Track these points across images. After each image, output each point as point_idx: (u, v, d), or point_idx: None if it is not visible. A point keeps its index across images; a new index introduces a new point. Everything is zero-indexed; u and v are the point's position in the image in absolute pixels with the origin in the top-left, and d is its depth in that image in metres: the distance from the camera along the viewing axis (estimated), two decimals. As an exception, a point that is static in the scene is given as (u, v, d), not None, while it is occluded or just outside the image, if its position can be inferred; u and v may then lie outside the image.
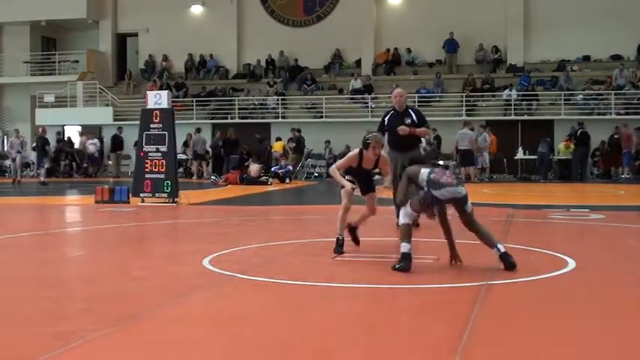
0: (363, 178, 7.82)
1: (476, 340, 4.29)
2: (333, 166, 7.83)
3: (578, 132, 23.25)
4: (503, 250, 6.49)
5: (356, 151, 7.63)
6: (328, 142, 26.12)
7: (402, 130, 9.78)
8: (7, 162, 27.58)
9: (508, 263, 6.40)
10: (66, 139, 29.39)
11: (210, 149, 26.52)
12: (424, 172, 6.59)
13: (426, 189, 6.51)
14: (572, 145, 23.50)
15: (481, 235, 6.66)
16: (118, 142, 27.00)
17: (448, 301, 5.54)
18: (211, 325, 4.73)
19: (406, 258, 6.41)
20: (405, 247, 6.44)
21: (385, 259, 6.97)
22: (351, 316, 4.99)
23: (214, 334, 4.51)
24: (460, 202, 6.57)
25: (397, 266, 6.39)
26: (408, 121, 9.88)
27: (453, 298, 5.64)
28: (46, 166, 22.72)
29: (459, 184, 6.57)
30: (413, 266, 6.43)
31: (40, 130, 23.41)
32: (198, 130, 26.46)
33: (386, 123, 10.10)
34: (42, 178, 21.67)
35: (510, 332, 4.60)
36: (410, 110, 10.12)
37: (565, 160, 23.85)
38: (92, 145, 27.78)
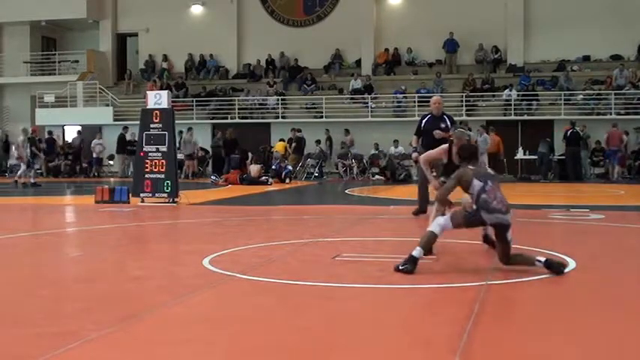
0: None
1: (476, 340, 4.29)
2: (423, 156, 7.69)
3: (568, 132, 23.28)
4: (543, 259, 6.31)
5: (445, 146, 7.47)
6: (319, 141, 26.16)
7: (438, 134, 10.63)
8: (12, 161, 27.53)
9: (555, 270, 6.23)
10: (71, 139, 29.44)
11: (198, 150, 26.36)
12: (477, 184, 6.41)
13: (475, 206, 6.38)
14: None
15: (519, 264, 6.46)
16: (124, 142, 26.83)
17: (448, 301, 5.54)
18: (211, 325, 4.73)
19: (413, 262, 6.34)
20: (417, 252, 6.36)
21: (385, 259, 6.97)
22: (351, 316, 4.99)
23: (214, 334, 4.51)
24: (503, 229, 6.40)
25: (401, 267, 6.35)
26: (443, 125, 10.84)
27: (453, 298, 5.64)
28: (36, 166, 22.44)
29: (507, 212, 6.38)
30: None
31: (31, 130, 23.23)
32: (189, 130, 26.07)
33: (422, 125, 11.18)
34: (31, 180, 20.94)
35: (510, 332, 4.61)
36: (445, 116, 11.12)
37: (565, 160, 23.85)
38: (99, 146, 27.72)
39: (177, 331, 4.56)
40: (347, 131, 26.27)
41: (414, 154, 12.01)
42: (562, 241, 9.14)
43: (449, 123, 10.99)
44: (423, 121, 11.32)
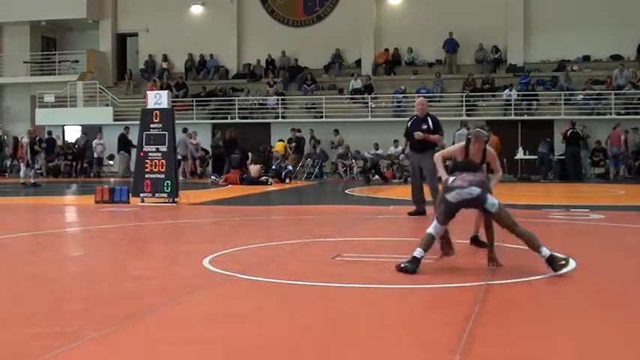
0: (473, 172, 7.31)
1: (476, 340, 4.29)
2: (439, 153, 7.67)
3: (568, 132, 23.29)
4: (548, 254, 6.27)
5: (462, 144, 7.42)
6: (319, 141, 26.16)
7: (417, 135, 11.19)
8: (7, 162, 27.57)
9: (554, 268, 6.21)
10: (74, 139, 29.43)
11: (195, 150, 26.32)
12: (450, 179, 6.54)
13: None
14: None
15: (519, 237, 6.46)
16: (125, 142, 26.76)
17: (448, 301, 5.54)
18: (211, 325, 4.73)
19: (414, 262, 6.32)
20: (418, 253, 6.35)
21: (385, 259, 6.98)
22: (351, 316, 4.99)
23: (214, 334, 4.51)
24: (475, 203, 6.40)
25: (402, 266, 6.34)
26: (424, 127, 11.26)
27: (453, 298, 5.64)
28: (36, 166, 22.39)
29: (471, 184, 6.37)
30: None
31: (32, 129, 23.21)
32: (184, 131, 25.73)
33: (408, 127, 11.56)
34: (31, 180, 20.77)
35: (510, 332, 4.61)
36: (428, 117, 11.46)
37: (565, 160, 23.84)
38: (100, 146, 27.69)
39: (177, 331, 4.55)
40: (336, 131, 26.27)
41: (402, 156, 12.39)
42: (562, 241, 9.13)
43: (431, 124, 11.33)
44: (409, 122, 11.70)
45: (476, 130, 7.53)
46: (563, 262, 6.28)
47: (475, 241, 7.77)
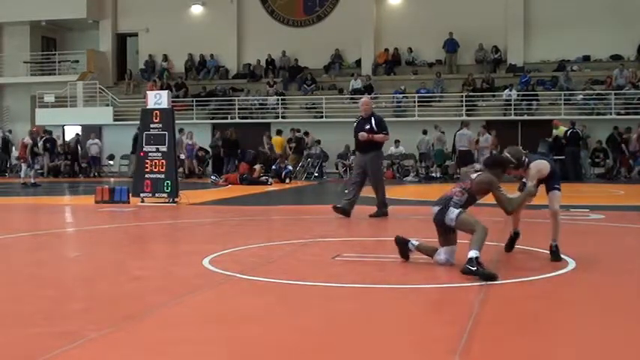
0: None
1: (476, 340, 4.29)
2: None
3: (568, 132, 23.27)
4: (474, 255, 6.10)
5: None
6: (319, 141, 26.14)
7: (362, 135, 11.25)
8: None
9: (467, 269, 6.09)
10: (69, 139, 29.40)
11: (184, 153, 26.22)
12: None
13: None
14: (562, 128, 23.49)
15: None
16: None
17: (448, 301, 5.54)
18: (211, 325, 4.73)
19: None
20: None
21: (385, 259, 6.98)
22: (351, 316, 4.99)
23: (214, 334, 4.51)
24: (438, 220, 6.54)
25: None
26: (367, 127, 11.29)
27: (453, 298, 5.64)
28: (36, 167, 22.37)
29: (437, 203, 6.58)
30: (411, 266, 6.44)
31: (33, 129, 23.16)
32: (180, 131, 25.17)
33: (354, 127, 11.58)
34: (31, 180, 20.73)
35: (510, 332, 4.61)
36: (372, 117, 11.42)
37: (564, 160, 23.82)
38: (94, 146, 27.68)
39: (177, 331, 4.56)
40: (306, 133, 26.22)
41: (352, 157, 12.35)
42: (562, 241, 9.12)
43: (374, 124, 11.31)
44: (355, 123, 11.69)
45: (512, 148, 7.51)
46: (477, 272, 5.98)
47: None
